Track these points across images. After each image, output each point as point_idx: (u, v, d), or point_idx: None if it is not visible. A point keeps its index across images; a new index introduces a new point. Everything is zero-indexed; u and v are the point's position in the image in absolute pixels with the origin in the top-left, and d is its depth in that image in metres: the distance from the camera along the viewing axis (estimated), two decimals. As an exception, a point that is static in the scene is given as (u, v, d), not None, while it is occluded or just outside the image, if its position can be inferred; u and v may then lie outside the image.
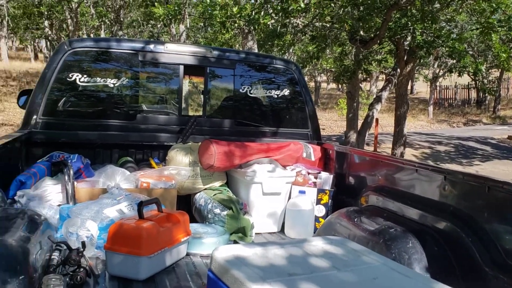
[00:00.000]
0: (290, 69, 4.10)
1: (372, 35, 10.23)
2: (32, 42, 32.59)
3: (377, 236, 2.54)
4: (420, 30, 9.30)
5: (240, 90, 4.03)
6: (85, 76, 3.61)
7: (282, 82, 4.14)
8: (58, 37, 23.00)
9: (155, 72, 3.98)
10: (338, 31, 10.45)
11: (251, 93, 4.06)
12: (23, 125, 3.55)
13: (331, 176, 3.68)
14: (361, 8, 8.77)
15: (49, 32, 22.51)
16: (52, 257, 2.45)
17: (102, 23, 23.43)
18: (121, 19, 25.50)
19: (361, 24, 9.14)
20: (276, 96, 4.11)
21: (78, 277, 2.34)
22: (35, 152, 3.48)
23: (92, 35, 22.99)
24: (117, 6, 22.03)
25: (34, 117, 3.50)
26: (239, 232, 3.19)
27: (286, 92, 4.12)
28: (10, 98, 20.13)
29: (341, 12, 8.67)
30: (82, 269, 2.38)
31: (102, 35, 24.76)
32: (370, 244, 2.66)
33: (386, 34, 9.62)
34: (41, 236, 2.39)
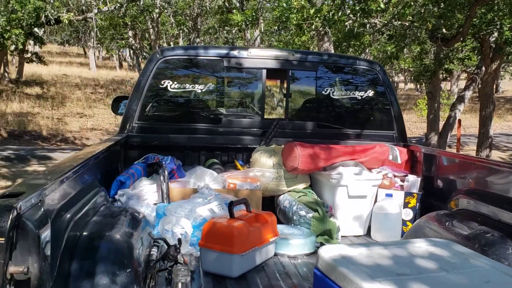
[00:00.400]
0: (374, 69, 4.04)
1: (455, 33, 9.76)
2: (117, 52, 34.64)
3: (471, 241, 2.43)
4: (508, 25, 8.73)
5: (323, 92, 4.04)
6: (175, 82, 3.81)
7: (365, 83, 4.09)
8: (141, 46, 24.33)
9: (239, 76, 4.11)
10: (418, 30, 10.08)
11: (333, 95, 4.06)
12: (120, 130, 3.81)
13: (419, 179, 3.58)
14: (442, 5, 8.41)
15: (133, 42, 23.85)
16: (152, 252, 2.62)
17: (181, 31, 24.43)
18: (198, 27, 26.43)
19: (442, 21, 8.76)
20: (359, 98, 4.07)
21: (176, 272, 2.48)
22: (131, 155, 3.74)
23: (171, 43, 24.01)
24: (195, 14, 22.87)
25: (130, 122, 3.75)
26: (325, 235, 3.20)
27: (370, 93, 4.06)
28: (98, 105, 21.59)
29: (422, 11, 8.37)
30: (179, 265, 2.52)
31: (181, 43, 25.81)
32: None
33: (470, 31, 9.14)
34: (142, 232, 2.56)
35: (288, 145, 3.57)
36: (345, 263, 1.19)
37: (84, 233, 2.17)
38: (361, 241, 3.37)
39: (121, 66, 38.01)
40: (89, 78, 28.82)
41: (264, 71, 3.88)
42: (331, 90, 4.03)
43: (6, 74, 24.15)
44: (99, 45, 33.59)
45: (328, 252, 1.27)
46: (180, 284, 0.98)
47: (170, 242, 2.77)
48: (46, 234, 1.38)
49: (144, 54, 24.66)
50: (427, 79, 13.39)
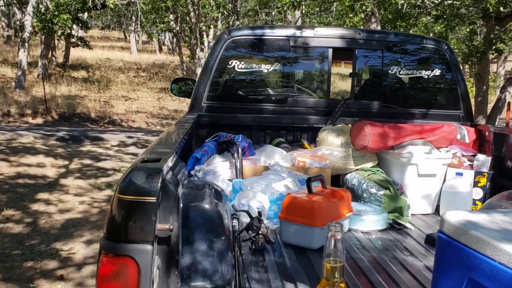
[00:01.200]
0: (441, 48, 4.00)
1: (509, 12, 9.42)
2: (157, 36, 35.11)
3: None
4: None
5: (389, 71, 4.04)
6: (242, 62, 3.90)
7: (432, 62, 4.05)
8: (181, 29, 24.59)
9: (305, 56, 4.15)
10: (471, 9, 9.78)
11: (399, 74, 4.05)
12: (190, 109, 3.94)
13: (489, 158, 3.55)
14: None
15: (173, 25, 24.11)
16: (233, 223, 2.74)
17: (220, 14, 24.50)
18: (238, 9, 26.40)
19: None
20: (426, 77, 4.04)
21: (259, 242, 2.59)
22: (201, 133, 3.87)
23: (211, 27, 24.13)
24: (235, -4, 22.89)
25: (200, 101, 3.88)
26: (395, 212, 3.24)
27: (436, 72, 4.03)
28: (141, 88, 22.08)
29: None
30: (261, 236, 2.64)
31: (219, 26, 25.89)
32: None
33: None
34: (225, 204, 2.69)
35: (357, 124, 3.61)
36: (474, 226, 1.24)
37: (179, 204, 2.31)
38: (430, 219, 3.39)
39: (160, 50, 38.57)
40: (131, 62, 29.43)
41: (330, 50, 3.91)
42: (397, 69, 4.02)
43: (53, 58, 24.99)
44: (140, 29, 34.13)
45: (453, 217, 1.32)
46: (333, 239, 1.06)
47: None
48: (181, 195, 1.50)
49: (185, 38, 24.93)
50: (478, 61, 12.99)
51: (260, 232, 2.66)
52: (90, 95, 19.04)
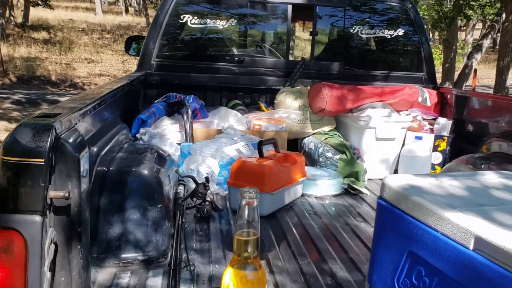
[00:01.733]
0: (405, 7, 3.82)
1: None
2: (123, -4, 33.72)
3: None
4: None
5: (350, 30, 3.84)
6: (195, 17, 3.62)
7: (395, 22, 3.88)
8: (148, -10, 23.59)
9: (263, 13, 3.90)
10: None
11: (361, 34, 3.86)
12: (138, 67, 3.67)
13: (450, 121, 3.45)
14: None
15: (140, -15, 23.09)
16: (178, 190, 2.56)
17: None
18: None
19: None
20: (388, 37, 3.87)
21: (205, 210, 2.42)
22: (150, 93, 3.62)
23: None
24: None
25: (149, 59, 3.60)
26: (351, 177, 3.12)
27: (400, 32, 3.86)
28: (106, 50, 21.24)
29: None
30: (207, 203, 2.47)
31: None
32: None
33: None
34: (168, 170, 2.49)
35: (315, 86, 3.43)
36: (417, 192, 1.09)
37: (112, 168, 2.10)
38: (388, 184, 3.30)
39: (127, 11, 37.16)
40: (95, 24, 28.24)
41: (290, 7, 3.67)
42: (359, 28, 3.83)
43: (12, 18, 23.71)
44: (104, -12, 32.65)
45: (394, 181, 1.16)
46: (246, 207, 0.88)
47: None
48: (85, 159, 1.28)
49: (152, -2, 23.99)
50: (447, 27, 12.93)
51: (207, 199, 2.49)
52: (51, 57, 18.20)
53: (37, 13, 27.01)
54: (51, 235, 1.13)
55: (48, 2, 21.44)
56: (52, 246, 1.14)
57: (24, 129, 1.15)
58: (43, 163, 1.11)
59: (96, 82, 16.24)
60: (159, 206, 2.05)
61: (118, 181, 2.05)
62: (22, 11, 26.74)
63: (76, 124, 1.38)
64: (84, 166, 1.28)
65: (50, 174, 1.15)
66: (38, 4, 21.71)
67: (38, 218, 1.10)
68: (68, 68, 17.38)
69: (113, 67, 18.91)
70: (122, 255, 1.89)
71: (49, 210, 1.16)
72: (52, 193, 1.14)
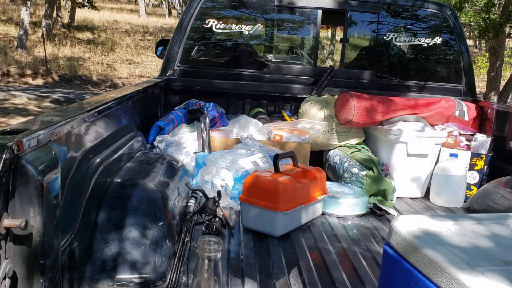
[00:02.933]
0: (445, 14, 3.55)
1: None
2: (167, -2, 34.29)
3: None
4: None
5: (384, 38, 3.61)
6: (221, 22, 3.50)
7: (433, 29, 3.62)
8: (189, -8, 23.85)
9: (290, 18, 3.73)
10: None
11: (396, 41, 3.62)
12: (161, 73, 3.58)
13: (489, 138, 3.17)
14: None
15: (182, -12, 23.37)
16: (189, 204, 2.43)
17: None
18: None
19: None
20: (425, 45, 3.61)
21: (214, 227, 2.28)
22: (172, 99, 3.52)
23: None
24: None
25: (172, 64, 3.50)
26: (378, 195, 2.90)
27: (438, 40, 3.59)
28: (147, 52, 21.61)
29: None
30: (217, 219, 2.32)
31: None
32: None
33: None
34: (179, 182, 2.36)
35: (342, 95, 3.22)
36: (430, 242, 0.89)
37: (115, 180, 1.98)
38: (418, 203, 3.05)
39: (170, 13, 37.81)
40: (138, 25, 28.85)
41: (319, 12, 3.48)
42: (393, 35, 3.59)
43: (59, 19, 24.52)
44: (148, -9, 33.32)
45: (404, 224, 0.97)
46: (206, 262, 0.72)
47: (210, 193, 2.57)
48: (53, 181, 1.15)
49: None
50: (494, 35, 12.30)
51: (217, 215, 2.35)
52: (93, 58, 18.65)
53: (83, 14, 27.88)
54: (5, 268, 1.01)
55: (93, 3, 22.01)
56: (7, 281, 1.01)
57: None
58: None
59: (136, 83, 16.50)
60: (160, 224, 1.92)
61: (118, 196, 1.93)
62: (69, 12, 27.65)
63: (51, 140, 1.25)
64: (53, 189, 1.15)
65: (5, 200, 1.03)
66: (84, 6, 22.32)
67: None
68: (110, 68, 17.77)
69: (153, 68, 19.19)
70: (117, 276, 1.76)
71: (5, 241, 1.04)
72: (6, 222, 1.01)
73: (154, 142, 2.99)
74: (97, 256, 1.77)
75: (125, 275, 1.76)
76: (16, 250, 1.06)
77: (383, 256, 1.03)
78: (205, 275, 0.75)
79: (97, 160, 1.89)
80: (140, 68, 18.90)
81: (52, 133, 1.26)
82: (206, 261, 0.75)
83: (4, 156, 1.00)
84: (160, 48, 4.38)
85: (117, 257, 1.78)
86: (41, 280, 1.07)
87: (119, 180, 1.99)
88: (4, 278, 1.00)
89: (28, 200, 1.05)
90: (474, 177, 3.11)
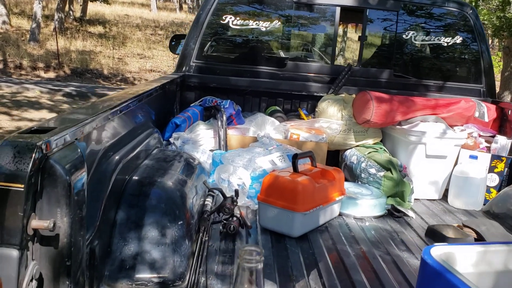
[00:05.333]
0: (466, 12, 3.49)
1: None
2: (178, -7, 34.28)
3: None
4: None
5: (403, 36, 3.56)
6: (238, 18, 3.47)
7: (454, 28, 3.55)
8: (201, -13, 23.81)
9: (308, 15, 3.68)
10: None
11: (415, 40, 3.57)
12: (177, 68, 3.56)
13: (510, 141, 3.11)
14: None
15: (193, -17, 23.32)
16: (206, 202, 2.41)
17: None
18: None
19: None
20: (445, 45, 3.55)
21: (232, 227, 2.25)
22: (187, 96, 3.50)
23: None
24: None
25: (188, 60, 3.48)
26: (396, 196, 2.86)
27: (458, 40, 3.53)
28: (158, 46, 21.62)
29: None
30: (235, 219, 2.30)
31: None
32: None
33: None
34: (196, 180, 2.34)
35: (360, 95, 3.18)
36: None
37: (134, 178, 1.97)
38: (436, 206, 3.00)
39: (181, 8, 37.80)
40: (149, 19, 28.86)
41: (338, 9, 3.44)
42: (413, 34, 3.54)
43: (71, 12, 24.60)
44: (160, -15, 33.32)
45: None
46: (247, 272, 0.69)
47: (226, 192, 2.55)
48: (80, 181, 1.13)
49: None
50: (509, 34, 12.13)
51: (234, 214, 2.33)
52: (104, 52, 18.69)
53: (95, 7, 27.95)
54: (32, 270, 0.99)
55: (105, -3, 22.07)
56: (34, 283, 1.00)
57: (5, 148, 1.00)
58: (22, 189, 0.96)
59: (147, 77, 16.53)
60: (180, 223, 1.90)
61: (137, 194, 1.92)
62: (81, 5, 27.73)
63: (77, 138, 1.23)
64: (79, 189, 1.13)
65: (33, 201, 1.01)
66: (96, 0, 22.40)
67: (14, 253, 0.96)
68: (121, 62, 17.80)
69: (164, 63, 19.21)
70: (136, 276, 1.74)
71: (33, 242, 1.02)
72: (34, 223, 0.99)
73: (170, 139, 2.97)
74: (116, 255, 1.75)
75: (144, 275, 1.74)
76: (43, 251, 1.04)
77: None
78: (245, 286, 0.73)
79: (117, 157, 1.87)
80: (150, 62, 18.92)
81: (78, 132, 1.24)
82: (247, 271, 0.73)
83: (33, 155, 0.97)
84: (173, 43, 4.36)
85: (136, 256, 1.76)
86: (67, 282, 1.05)
87: (137, 178, 1.98)
88: (31, 280, 0.98)
89: (56, 200, 1.04)
90: (494, 180, 3.06)
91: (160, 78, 3.09)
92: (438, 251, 0.93)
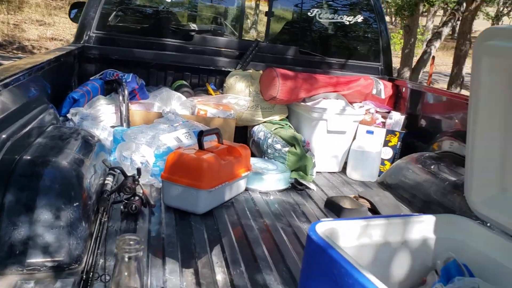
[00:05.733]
0: (367, -7, 3.64)
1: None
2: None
3: (461, 189, 2.24)
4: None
5: (309, 14, 3.63)
6: (142, -12, 3.31)
7: (356, 7, 3.69)
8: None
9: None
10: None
11: (320, 18, 3.66)
12: (75, 39, 3.33)
13: (403, 116, 3.34)
14: None
15: None
16: (106, 182, 2.31)
17: None
18: None
19: None
20: (347, 23, 3.68)
21: (133, 206, 2.19)
22: (87, 69, 3.30)
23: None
24: None
25: (88, 30, 3.27)
26: (299, 170, 2.96)
27: (359, 19, 3.68)
28: (59, 13, 20.10)
29: None
30: (137, 198, 2.24)
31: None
32: (452, 197, 2.39)
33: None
34: (95, 159, 2.24)
35: (267, 71, 3.21)
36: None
37: (25, 157, 1.83)
38: (336, 178, 3.16)
39: (85, -28, 35.25)
40: (49, -17, 26.65)
41: None
42: (317, 12, 3.62)
43: (-45, -30, 21.97)
44: None
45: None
46: (126, 261, 0.67)
47: (128, 170, 2.47)
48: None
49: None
50: (409, 14, 12.94)
51: (136, 193, 2.26)
52: (-2, 16, 17.02)
53: (-16, -34, 25.21)
54: None
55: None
56: None
57: None
58: None
59: (47, 46, 15.38)
60: (76, 204, 1.80)
61: (29, 174, 1.78)
62: (-33, -37, 24.85)
63: None
64: None
65: None
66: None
67: None
68: (17, 29, 16.34)
69: (66, 31, 17.92)
70: (27, 261, 1.64)
71: None
72: None
73: (67, 115, 2.79)
74: (5, 240, 1.64)
75: (36, 259, 1.65)
76: None
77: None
78: (125, 274, 0.70)
79: (3, 136, 1.73)
80: (51, 30, 17.59)
81: None
82: (126, 261, 0.70)
83: None
84: (74, 11, 4.05)
85: (27, 240, 1.66)
86: None
87: (29, 158, 1.84)
88: None
89: None
90: (388, 153, 3.28)
91: (55, 50, 2.87)
92: (323, 227, 0.98)
